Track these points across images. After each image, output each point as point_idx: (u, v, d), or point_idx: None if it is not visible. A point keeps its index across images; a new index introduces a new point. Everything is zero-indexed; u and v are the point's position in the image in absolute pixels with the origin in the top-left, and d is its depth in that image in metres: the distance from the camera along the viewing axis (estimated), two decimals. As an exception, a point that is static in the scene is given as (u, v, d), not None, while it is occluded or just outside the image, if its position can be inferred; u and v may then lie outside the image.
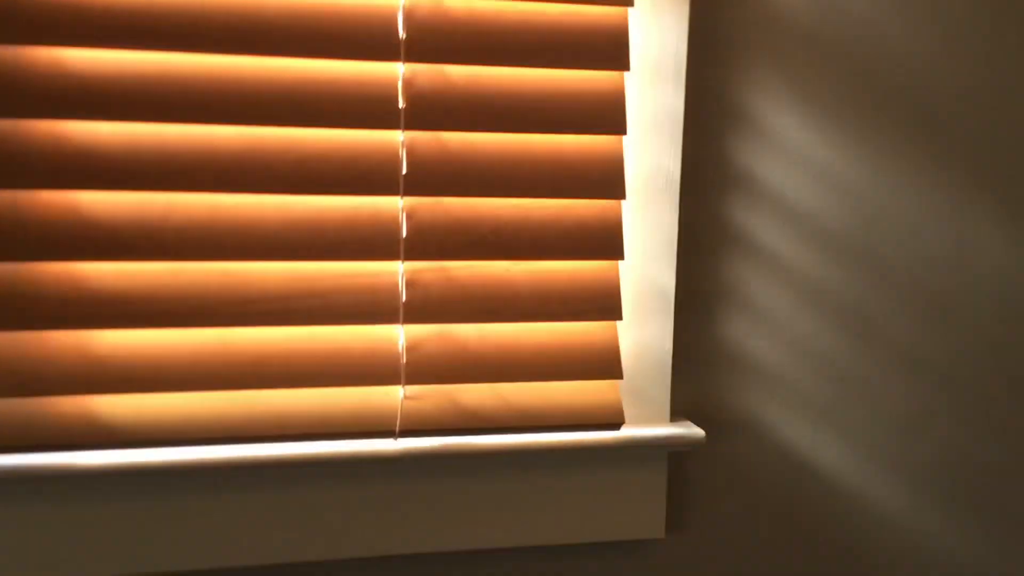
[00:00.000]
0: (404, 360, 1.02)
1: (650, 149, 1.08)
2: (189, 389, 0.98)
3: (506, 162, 1.02)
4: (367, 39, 0.97)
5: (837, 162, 1.14)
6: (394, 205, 1.01)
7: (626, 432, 1.09)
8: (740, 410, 1.16)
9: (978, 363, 1.21)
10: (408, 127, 0.99)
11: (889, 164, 1.15)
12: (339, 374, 1.01)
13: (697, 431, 1.10)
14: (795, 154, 1.13)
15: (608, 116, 1.04)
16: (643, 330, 1.10)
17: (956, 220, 1.18)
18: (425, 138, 1.01)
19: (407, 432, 1.02)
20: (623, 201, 1.07)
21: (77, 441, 0.96)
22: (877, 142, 1.15)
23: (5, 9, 0.91)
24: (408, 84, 0.99)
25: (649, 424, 1.12)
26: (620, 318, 1.06)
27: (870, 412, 1.20)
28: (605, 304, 1.06)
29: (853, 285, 1.17)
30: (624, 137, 1.07)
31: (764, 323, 1.15)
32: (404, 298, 1.02)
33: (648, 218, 1.09)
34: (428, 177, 1.01)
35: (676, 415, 1.15)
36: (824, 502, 1.20)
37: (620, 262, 1.08)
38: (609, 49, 1.03)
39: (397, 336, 1.02)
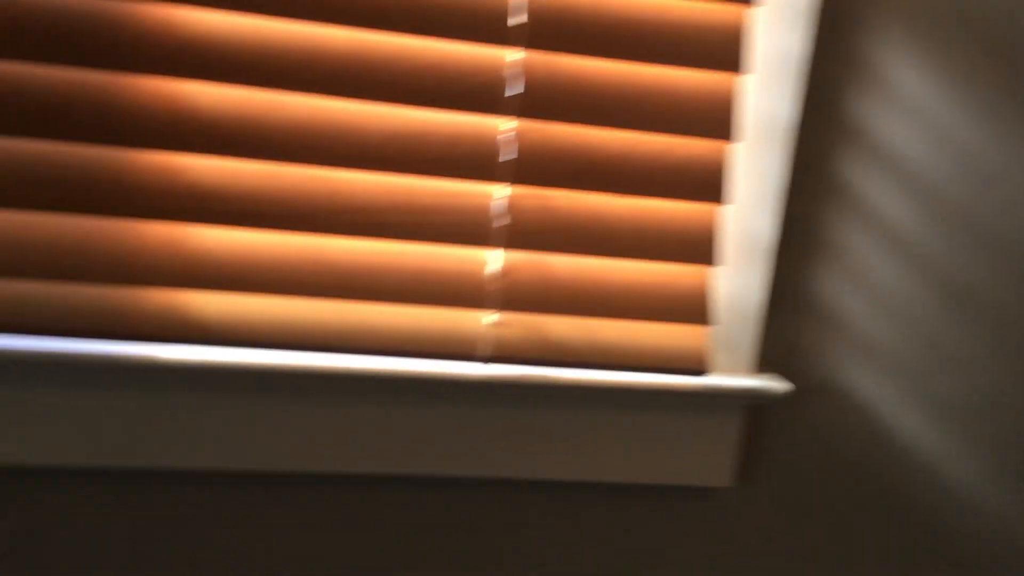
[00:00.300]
0: (496, 286, 1.00)
1: (766, 93, 1.03)
2: (278, 293, 0.97)
3: (617, 92, 0.99)
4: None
5: (958, 124, 1.09)
6: (497, 127, 0.98)
7: (707, 380, 1.06)
8: (827, 368, 1.13)
9: (1078, 345, 1.17)
10: (521, 46, 0.96)
11: (1011, 131, 1.10)
12: (429, 293, 0.99)
13: (780, 386, 1.08)
14: (914, 113, 1.08)
15: (727, 52, 0.99)
16: (737, 278, 1.07)
17: (1076, 195, 1.13)
18: (538, 59, 0.97)
19: (493, 358, 1.01)
20: (735, 144, 1.03)
21: (165, 334, 0.96)
22: (1002, 109, 1.09)
23: None
24: (526, 3, 0.95)
25: (733, 373, 1.09)
26: (717, 264, 1.03)
27: (959, 384, 1.16)
28: (702, 248, 1.03)
29: (959, 252, 1.13)
30: (745, 78, 1.02)
31: (862, 282, 1.12)
32: (503, 222, 0.99)
33: (755, 164, 1.05)
34: (536, 101, 0.97)
35: (763, 367, 1.12)
36: (899, 470, 1.18)
37: (725, 207, 1.04)
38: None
39: (490, 260, 1.00)
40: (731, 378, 1.08)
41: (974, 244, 1.13)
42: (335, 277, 0.98)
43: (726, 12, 0.99)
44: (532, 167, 0.98)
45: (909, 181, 1.10)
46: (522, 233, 1.00)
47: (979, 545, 1.22)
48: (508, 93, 0.97)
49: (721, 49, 0.99)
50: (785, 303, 1.11)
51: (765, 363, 1.12)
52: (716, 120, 1.00)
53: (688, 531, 1.16)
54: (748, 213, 1.06)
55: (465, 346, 1.00)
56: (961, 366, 1.16)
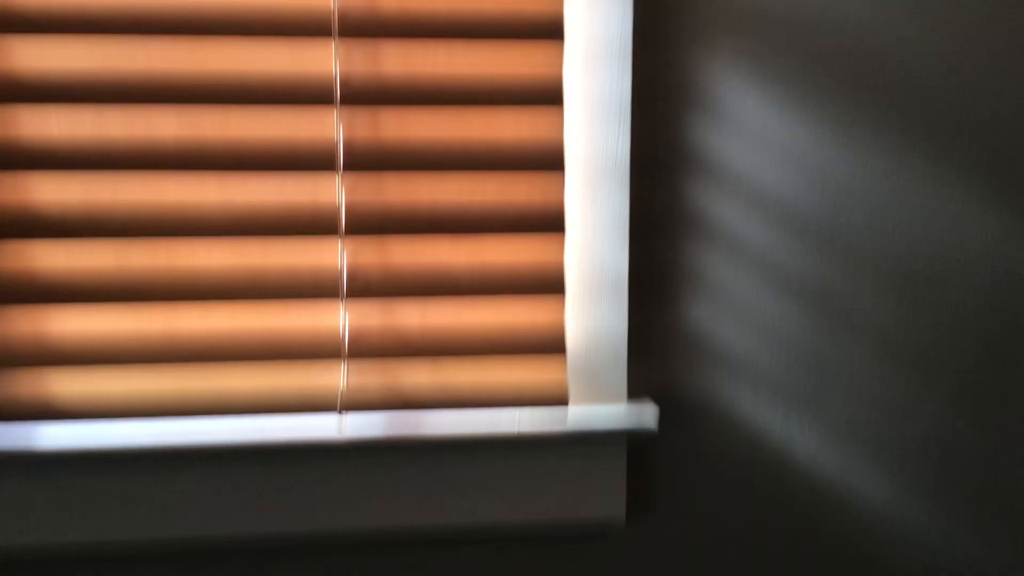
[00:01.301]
0: (346, 339, 1.04)
1: (596, 129, 1.07)
2: (135, 363, 1.01)
3: (443, 139, 1.04)
4: (300, 21, 1.00)
5: (801, 143, 1.11)
6: (332, 185, 1.03)
7: (577, 413, 1.08)
8: (705, 394, 1.14)
9: (958, 345, 1.16)
10: (345, 104, 1.02)
11: (857, 143, 1.12)
12: (283, 352, 1.03)
13: (652, 412, 1.08)
14: (756, 135, 1.11)
15: (546, 93, 1.04)
16: (596, 312, 1.09)
17: (929, 199, 1.14)
18: (362, 118, 1.03)
19: (349, 408, 1.03)
20: (568, 181, 1.07)
21: (26, 414, 1.01)
22: (842, 121, 1.12)
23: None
24: (344, 65, 1.02)
25: (604, 404, 1.10)
26: (563, 293, 1.05)
27: (847, 396, 1.15)
28: (547, 279, 1.06)
29: (822, 267, 1.13)
30: (568, 117, 1.07)
31: (728, 306, 1.13)
32: (345, 279, 1.03)
33: (597, 199, 1.08)
34: (366, 157, 1.03)
35: (636, 397, 1.13)
36: (797, 489, 1.16)
37: (566, 243, 1.07)
38: (545, 26, 1.03)
39: (339, 315, 1.04)
40: (600, 409, 1.09)
41: (839, 259, 1.14)
42: (190, 346, 1.02)
43: (537, 51, 1.04)
44: (369, 222, 1.03)
45: (762, 202, 1.12)
46: (366, 287, 1.04)
47: (885, 561, 1.18)
48: (339, 152, 1.02)
49: (543, 88, 1.04)
50: (655, 333, 1.12)
51: (641, 393, 1.13)
52: (543, 154, 1.04)
53: (586, 571, 1.15)
54: (600, 247, 1.09)
55: (322, 400, 1.03)
56: (843, 379, 1.15)
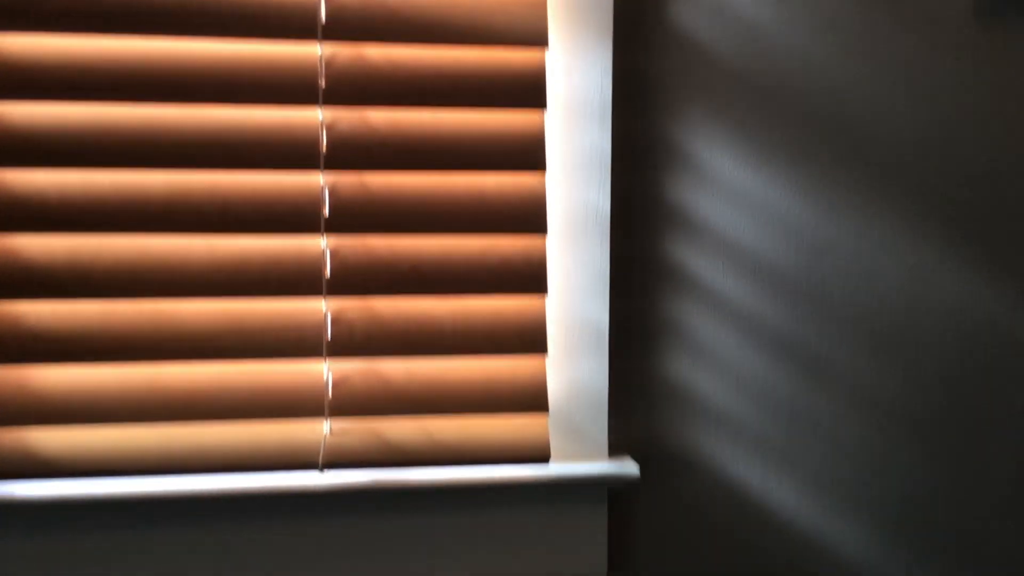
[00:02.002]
0: (329, 395, 1.04)
1: (577, 187, 1.09)
2: (120, 422, 1.02)
3: (426, 201, 1.05)
4: (288, 85, 1.02)
5: (776, 200, 1.14)
6: (317, 244, 1.04)
7: (558, 468, 1.08)
8: (685, 448, 1.15)
9: (935, 397, 1.17)
10: (329, 168, 1.03)
11: (832, 200, 1.14)
12: (265, 409, 1.04)
13: (633, 467, 1.09)
14: (732, 191, 1.13)
15: (527, 153, 1.06)
16: (577, 367, 1.10)
17: (904, 254, 1.16)
18: (347, 179, 1.04)
19: (331, 466, 1.04)
20: (549, 237, 1.09)
21: (11, 472, 1.01)
22: (816, 177, 1.14)
23: (-51, 68, 0.99)
24: (329, 128, 1.03)
25: (585, 460, 1.11)
26: (545, 352, 1.07)
27: (824, 449, 1.17)
28: (529, 338, 1.07)
29: (799, 322, 1.15)
30: (549, 174, 1.08)
31: (707, 360, 1.14)
32: (329, 335, 1.04)
33: (578, 255, 1.10)
34: (350, 217, 1.04)
35: (618, 452, 1.14)
36: (777, 542, 1.17)
37: (547, 298, 1.09)
38: (526, 89, 1.05)
39: (322, 372, 1.05)
40: (581, 464, 1.10)
41: (816, 314, 1.15)
42: (173, 402, 1.03)
43: (525, 116, 1.06)
44: (352, 279, 1.04)
45: (737, 257, 1.14)
46: (351, 342, 1.05)
47: (865, 613, 1.20)
48: (323, 212, 1.03)
49: (521, 151, 1.06)
50: (634, 388, 1.14)
51: (622, 449, 1.14)
52: (525, 216, 1.06)
53: (569, 626, 1.15)
54: (580, 302, 1.10)
55: (304, 457, 1.04)
56: (823, 432, 1.16)
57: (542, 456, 1.07)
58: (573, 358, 1.10)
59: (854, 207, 1.15)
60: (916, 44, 1.14)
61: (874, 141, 1.14)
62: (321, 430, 1.05)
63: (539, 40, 1.04)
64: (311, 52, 1.03)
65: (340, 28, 1.02)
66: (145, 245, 1.03)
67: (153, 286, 1.02)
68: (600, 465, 1.10)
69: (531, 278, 1.07)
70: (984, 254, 1.17)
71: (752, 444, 1.16)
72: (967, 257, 1.16)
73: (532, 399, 1.07)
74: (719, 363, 1.14)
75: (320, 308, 1.05)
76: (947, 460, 1.18)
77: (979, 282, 1.17)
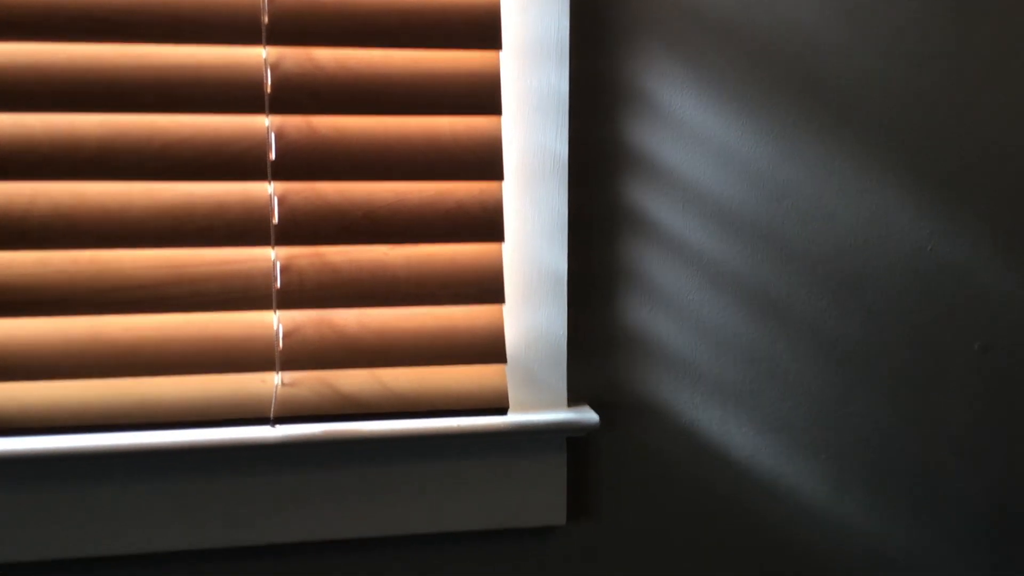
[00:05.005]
0: (280, 346, 1.01)
1: (534, 130, 1.06)
2: (61, 377, 0.98)
3: (378, 145, 1.01)
4: (229, 22, 0.97)
5: (737, 141, 1.11)
6: (263, 190, 1.00)
7: (517, 417, 1.07)
8: (645, 394, 1.14)
9: (895, 343, 1.17)
10: (275, 111, 0.99)
11: (793, 143, 1.12)
12: (213, 361, 1.00)
13: (592, 415, 1.08)
14: (693, 134, 1.10)
15: (482, 96, 1.02)
16: (536, 314, 1.08)
17: (865, 198, 1.14)
18: (294, 122, 1.00)
19: (283, 419, 1.01)
20: (506, 183, 1.05)
21: (-51, 430, 0.97)
22: (779, 121, 1.12)
23: None
24: (274, 68, 0.99)
25: (545, 409, 1.09)
26: (502, 301, 1.04)
27: (783, 395, 1.16)
28: (486, 287, 1.04)
29: (760, 267, 1.14)
30: (505, 118, 1.05)
31: (667, 307, 1.13)
32: (278, 284, 1.01)
33: (535, 200, 1.07)
34: (298, 162, 1.00)
35: (578, 401, 1.12)
36: (737, 487, 1.17)
37: (504, 245, 1.06)
38: (479, 28, 1.01)
39: (272, 322, 1.02)
40: (540, 414, 1.08)
41: (777, 258, 1.14)
42: (117, 356, 0.99)
43: (478, 57, 1.02)
44: (302, 226, 1.00)
45: (700, 202, 1.12)
46: (301, 292, 1.01)
47: (824, 554, 1.20)
48: (269, 157, 0.99)
49: (478, 92, 1.02)
50: (593, 335, 1.12)
51: (582, 397, 1.12)
52: (480, 161, 1.02)
53: (529, 575, 1.14)
54: (538, 249, 1.07)
55: (254, 409, 1.01)
56: (783, 377, 1.16)
57: (500, 406, 1.05)
58: (531, 306, 1.08)
59: (815, 149, 1.13)
60: (881, -18, 1.12)
61: (837, 83, 1.12)
62: (272, 382, 1.02)
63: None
64: (253, -13, 0.97)
65: (284, -38, 0.97)
66: (81, 192, 0.98)
67: (91, 235, 0.98)
68: (558, 414, 1.08)
69: (487, 225, 1.03)
70: (944, 198, 1.16)
71: (711, 389, 1.15)
72: (926, 200, 1.15)
73: (489, 349, 1.05)
74: (678, 309, 1.13)
75: (268, 256, 1.01)
76: (904, 402, 1.18)
77: (938, 225, 1.16)
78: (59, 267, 0.98)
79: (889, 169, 1.14)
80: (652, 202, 1.11)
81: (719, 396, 1.15)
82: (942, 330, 1.18)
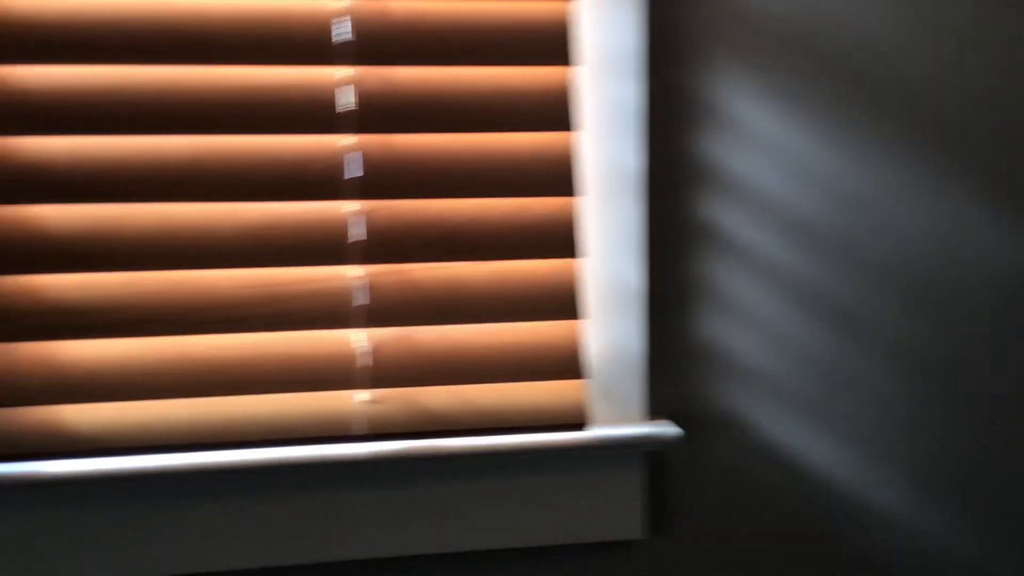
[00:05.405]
0: (366, 364, 1.02)
1: (610, 145, 1.06)
2: (149, 398, 0.99)
3: (457, 163, 1.02)
4: (309, 44, 0.98)
5: (810, 153, 1.11)
6: (342, 210, 1.01)
7: (595, 432, 1.07)
8: (723, 409, 1.13)
9: (971, 352, 1.16)
10: (357, 131, 1.00)
11: (865, 153, 1.11)
12: (300, 379, 1.01)
13: (673, 430, 1.08)
14: (766, 146, 1.10)
15: (557, 113, 1.02)
16: (613, 329, 1.08)
17: (938, 207, 1.13)
18: (374, 141, 1.01)
19: (370, 436, 1.02)
20: (582, 198, 1.06)
21: (42, 451, 0.98)
22: (851, 131, 1.11)
23: (-42, 33, 0.94)
24: (355, 88, 1.00)
25: (623, 423, 1.09)
26: (581, 317, 1.04)
27: (861, 407, 1.15)
28: (565, 303, 1.04)
29: (834, 278, 1.13)
30: (580, 133, 1.05)
31: (743, 319, 1.12)
32: (364, 302, 1.01)
33: (611, 215, 1.07)
34: (380, 181, 1.01)
35: (656, 415, 1.12)
36: (816, 501, 1.16)
37: (582, 260, 1.06)
38: (552, 45, 1.02)
39: (357, 340, 1.02)
40: (619, 428, 1.08)
41: (851, 269, 1.13)
42: (204, 375, 1.00)
43: (554, 73, 1.03)
44: (385, 245, 1.01)
45: (772, 214, 1.11)
46: (384, 310, 1.02)
47: (902, 567, 1.19)
48: (349, 176, 1.00)
49: (554, 108, 1.02)
50: (671, 349, 1.12)
51: (660, 411, 1.12)
52: (558, 178, 1.03)
53: (607, 590, 1.14)
54: (614, 264, 1.07)
55: (341, 427, 1.02)
56: (860, 390, 1.15)
57: (579, 421, 1.05)
58: (609, 321, 1.08)
59: (889, 160, 1.12)
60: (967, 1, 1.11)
61: (910, 95, 1.11)
62: (358, 400, 1.03)
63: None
64: (335, 6, 0.98)
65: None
66: (167, 213, 0.99)
67: (177, 256, 0.99)
68: (637, 428, 1.08)
69: (565, 241, 1.04)
70: (1017, 206, 1.14)
71: (788, 402, 1.14)
72: (1000, 209, 1.14)
73: (568, 365, 1.05)
74: (754, 322, 1.12)
75: (351, 275, 1.02)
76: (981, 413, 1.17)
77: (1013, 234, 1.15)
78: (147, 288, 0.99)
79: (959, 176, 1.13)
80: (727, 216, 1.11)
81: (797, 410, 1.14)
82: (1015, 337, 1.17)
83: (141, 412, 1.00)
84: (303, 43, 0.98)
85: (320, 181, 1.00)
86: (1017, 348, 1.17)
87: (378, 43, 0.99)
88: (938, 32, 1.11)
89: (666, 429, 1.08)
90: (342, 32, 0.98)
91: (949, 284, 1.15)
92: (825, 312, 1.13)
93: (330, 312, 1.01)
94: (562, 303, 1.04)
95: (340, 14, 0.99)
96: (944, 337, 1.15)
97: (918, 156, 1.12)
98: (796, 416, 1.14)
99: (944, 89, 1.12)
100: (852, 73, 1.10)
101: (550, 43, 1.02)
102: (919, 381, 1.16)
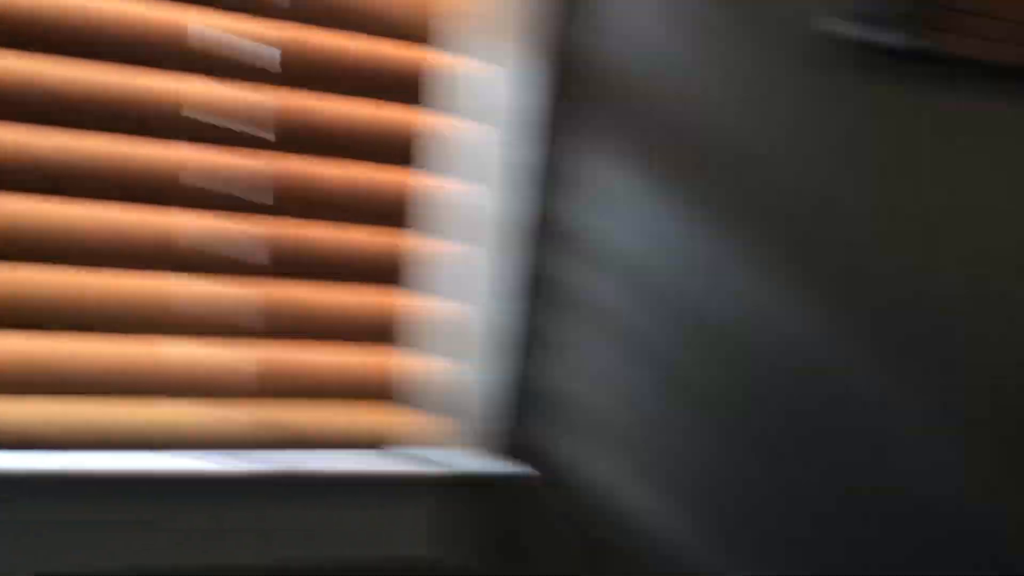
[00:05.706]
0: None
1: (485, 196, 1.13)
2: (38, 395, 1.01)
3: (305, 191, 1.07)
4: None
5: (659, 222, 1.18)
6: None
7: (432, 458, 1.12)
8: (558, 452, 1.18)
9: (772, 408, 1.26)
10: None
11: (709, 225, 1.19)
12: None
13: (510, 467, 1.14)
14: (626, 214, 1.16)
15: (399, 148, 1.08)
16: (466, 369, 1.14)
17: (753, 280, 1.22)
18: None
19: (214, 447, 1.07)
20: (410, 232, 1.11)
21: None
22: (697, 206, 1.19)
23: None
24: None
25: (463, 456, 1.14)
26: (399, 345, 1.11)
27: (675, 454, 1.22)
28: (383, 331, 1.10)
29: (667, 334, 1.20)
30: (456, 181, 1.12)
31: (585, 370, 1.18)
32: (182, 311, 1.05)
33: (481, 261, 1.13)
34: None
35: (497, 454, 1.16)
36: (637, 544, 1.22)
37: (435, 300, 1.13)
38: (403, 85, 1.08)
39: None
40: (455, 458, 1.13)
41: (685, 324, 1.21)
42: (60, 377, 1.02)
43: (400, 112, 1.09)
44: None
45: (622, 276, 1.18)
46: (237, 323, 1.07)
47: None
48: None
49: (395, 146, 1.09)
50: (521, 391, 1.16)
51: (501, 451, 1.16)
52: (391, 211, 1.09)
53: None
54: (479, 308, 1.14)
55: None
56: (677, 437, 1.22)
57: (375, 443, 1.11)
58: (465, 361, 1.14)
59: (724, 232, 1.20)
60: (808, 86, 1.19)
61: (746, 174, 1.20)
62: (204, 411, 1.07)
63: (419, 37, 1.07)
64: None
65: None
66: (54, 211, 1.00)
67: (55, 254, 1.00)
68: (482, 462, 1.14)
69: (390, 271, 1.09)
70: (819, 293, 1.25)
71: (616, 448, 1.20)
72: (808, 294, 1.25)
73: (377, 389, 1.10)
74: (591, 372, 1.18)
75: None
76: (785, 465, 1.26)
77: (815, 318, 1.25)
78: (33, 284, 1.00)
79: (775, 252, 1.23)
80: (578, 273, 1.16)
81: (622, 455, 1.20)
82: (815, 405, 1.24)
83: (28, 412, 1.01)
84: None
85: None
86: (808, 415, 1.27)
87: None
88: (789, 122, 1.21)
89: (505, 466, 1.14)
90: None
91: (761, 348, 1.24)
92: (657, 367, 1.20)
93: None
94: (380, 331, 1.09)
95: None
96: (739, 391, 1.25)
97: (746, 230, 1.21)
98: (620, 462, 1.20)
99: (773, 166, 1.21)
100: (710, 155, 1.19)
101: (400, 84, 1.07)
102: (728, 434, 1.24)
